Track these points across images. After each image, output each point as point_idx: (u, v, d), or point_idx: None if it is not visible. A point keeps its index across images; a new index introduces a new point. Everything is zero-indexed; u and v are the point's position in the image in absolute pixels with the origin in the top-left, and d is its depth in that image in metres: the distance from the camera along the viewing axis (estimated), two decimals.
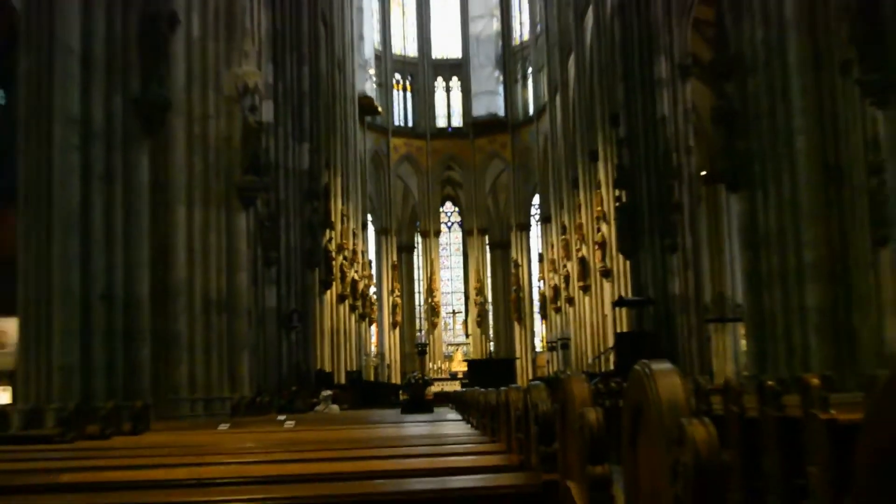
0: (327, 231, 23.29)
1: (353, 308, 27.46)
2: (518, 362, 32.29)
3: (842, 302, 11.36)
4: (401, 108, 39.45)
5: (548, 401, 2.57)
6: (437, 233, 40.27)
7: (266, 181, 14.70)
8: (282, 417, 9.40)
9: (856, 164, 12.07)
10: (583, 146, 27.14)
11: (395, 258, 38.09)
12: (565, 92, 30.07)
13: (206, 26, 11.52)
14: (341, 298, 25.58)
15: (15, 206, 9.72)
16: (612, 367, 19.23)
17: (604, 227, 24.02)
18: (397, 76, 39.36)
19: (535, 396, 2.62)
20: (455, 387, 26.58)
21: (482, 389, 6.01)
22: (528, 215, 39.05)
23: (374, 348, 35.32)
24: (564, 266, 29.45)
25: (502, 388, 4.01)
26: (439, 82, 40.41)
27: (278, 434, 6.43)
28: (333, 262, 23.93)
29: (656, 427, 1.34)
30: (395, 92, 39.13)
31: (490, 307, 39.75)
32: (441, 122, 40.19)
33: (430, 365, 35.73)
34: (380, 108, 36.10)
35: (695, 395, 6.44)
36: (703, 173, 24.69)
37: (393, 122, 38.41)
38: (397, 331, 37.60)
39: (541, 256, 35.34)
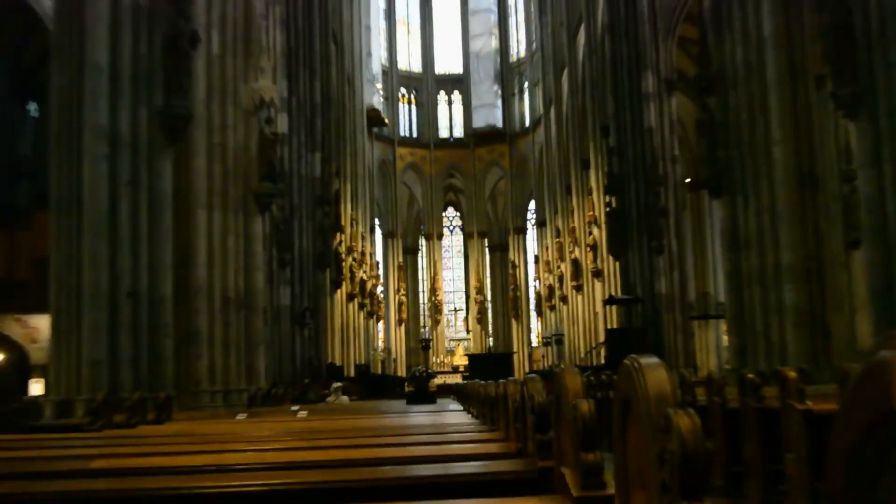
0: (337, 234, 23.26)
1: (361, 306, 27.43)
2: (515, 356, 32.27)
3: (817, 300, 11.33)
4: (406, 120, 39.43)
5: (543, 392, 2.57)
6: (440, 236, 40.24)
7: (281, 188, 14.72)
8: (295, 408, 9.39)
9: (830, 172, 12.06)
10: (575, 155, 27.10)
11: (400, 259, 38.06)
12: (559, 105, 30.05)
13: (225, 44, 11.51)
14: (350, 297, 25.56)
15: (48, 210, 9.74)
16: (603, 361, 19.19)
17: (595, 231, 23.99)
18: (403, 90, 39.35)
19: (532, 388, 2.62)
20: (457, 379, 26.51)
21: (482, 382, 6.00)
22: (525, 220, 39.02)
23: (381, 343, 35.26)
24: (558, 267, 29.41)
25: (501, 380, 4.00)
26: (442, 96, 40.40)
27: (292, 423, 6.43)
28: (343, 264, 23.90)
29: (645, 417, 1.34)
30: (400, 105, 39.11)
31: (489, 305, 39.70)
32: (443, 133, 40.16)
33: (434, 359, 35.67)
34: (386, 120, 36.10)
35: (680, 388, 6.42)
36: (688, 180, 24.64)
37: (399, 132, 38.39)
38: (403, 327, 37.56)
39: (536, 258, 35.30)
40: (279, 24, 17.42)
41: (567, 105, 28.63)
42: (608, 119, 21.38)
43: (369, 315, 29.40)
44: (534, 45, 36.28)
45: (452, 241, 41.95)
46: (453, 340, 39.29)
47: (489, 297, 39.78)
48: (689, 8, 19.80)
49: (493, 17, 40.23)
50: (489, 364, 23.72)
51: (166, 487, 2.71)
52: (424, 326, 39.14)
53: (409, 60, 40.07)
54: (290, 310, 17.80)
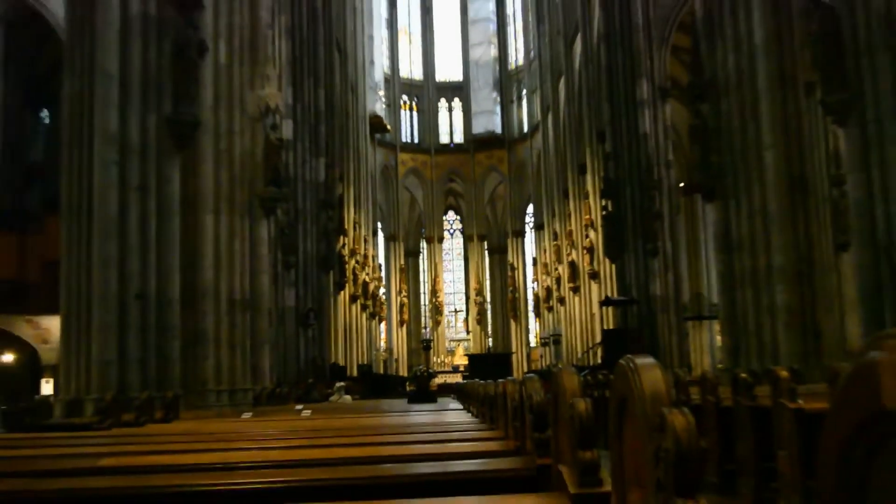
0: (341, 237, 23.26)
1: (364, 307, 27.42)
2: (514, 356, 32.25)
3: (808, 301, 11.33)
4: (408, 127, 39.48)
5: (541, 392, 2.56)
6: (441, 239, 40.25)
7: (285, 192, 14.72)
8: (299, 407, 9.37)
9: (819, 176, 12.07)
10: (572, 160, 27.12)
11: (402, 262, 38.07)
12: (556, 111, 30.08)
13: (232, 53, 11.52)
14: (353, 298, 25.55)
15: (59, 215, 9.74)
16: (599, 360, 19.17)
17: (591, 234, 23.99)
18: (404, 97, 39.39)
19: (530, 388, 2.61)
20: (457, 379, 26.49)
21: (482, 381, 5.99)
22: (523, 223, 39.04)
23: (383, 344, 35.25)
24: (556, 269, 29.41)
25: (500, 380, 3.99)
26: (442, 103, 40.45)
27: (296, 422, 6.41)
28: (346, 266, 23.89)
29: (640, 416, 1.34)
30: (402, 112, 39.16)
31: (489, 306, 39.70)
32: (444, 139, 40.19)
33: (434, 359, 35.66)
34: (388, 127, 36.13)
35: (675, 387, 6.41)
36: (682, 185, 24.63)
37: (400, 138, 38.42)
38: (404, 328, 37.55)
39: (534, 260, 35.28)
40: (285, 34, 17.44)
41: (564, 111, 28.66)
42: (604, 125, 21.41)
43: (372, 316, 29.39)
44: (532, 53, 36.33)
45: (453, 244, 41.96)
46: (453, 341, 39.28)
47: (488, 299, 39.78)
48: (682, 17, 19.85)
49: (493, 27, 40.30)
50: (488, 364, 23.70)
51: (173, 485, 2.71)
52: (425, 327, 39.13)
53: (411, 68, 40.12)
54: (295, 311, 17.79)
